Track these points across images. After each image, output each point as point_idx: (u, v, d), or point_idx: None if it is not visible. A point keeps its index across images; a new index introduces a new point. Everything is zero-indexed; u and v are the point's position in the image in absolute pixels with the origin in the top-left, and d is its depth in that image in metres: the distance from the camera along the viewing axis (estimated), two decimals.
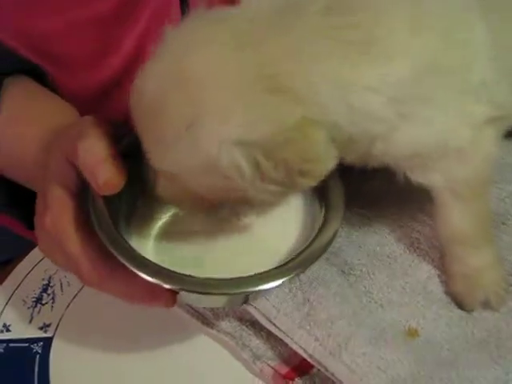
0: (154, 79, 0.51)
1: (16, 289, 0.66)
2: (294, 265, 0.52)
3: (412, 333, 0.56)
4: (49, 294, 0.66)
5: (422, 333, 0.56)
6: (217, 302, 0.56)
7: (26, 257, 0.69)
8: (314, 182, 0.51)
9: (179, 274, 0.51)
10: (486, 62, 0.54)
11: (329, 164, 0.51)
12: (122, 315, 0.64)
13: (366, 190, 0.64)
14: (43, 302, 0.66)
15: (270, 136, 0.48)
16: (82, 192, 0.56)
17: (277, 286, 0.51)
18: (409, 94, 0.51)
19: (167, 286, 0.51)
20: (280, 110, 0.49)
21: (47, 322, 0.64)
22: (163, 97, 0.50)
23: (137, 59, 0.75)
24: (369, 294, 0.59)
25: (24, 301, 0.66)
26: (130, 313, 0.63)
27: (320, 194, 0.57)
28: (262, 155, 0.48)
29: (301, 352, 0.56)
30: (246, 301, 0.56)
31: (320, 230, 0.54)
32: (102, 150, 0.54)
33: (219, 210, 0.58)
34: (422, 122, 0.52)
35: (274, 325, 0.57)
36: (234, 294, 0.52)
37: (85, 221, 0.56)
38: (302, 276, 0.59)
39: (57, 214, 0.56)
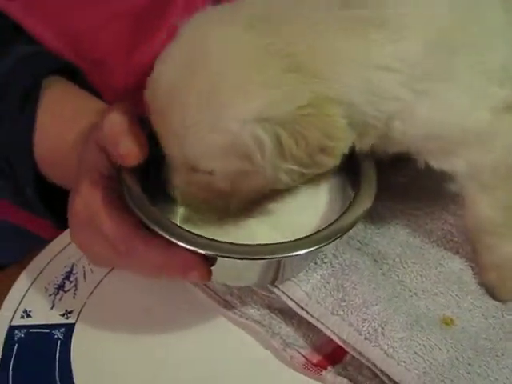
0: (171, 65, 0.52)
1: (38, 276, 0.65)
2: (328, 233, 0.52)
3: (447, 322, 0.55)
4: (71, 282, 0.65)
5: (457, 322, 0.55)
6: (250, 275, 0.55)
7: (49, 244, 0.68)
8: (333, 161, 0.51)
9: (216, 241, 0.51)
10: (505, 45, 0.54)
11: (347, 143, 0.51)
12: (145, 303, 0.62)
13: (397, 183, 0.64)
14: (65, 289, 0.64)
15: (291, 112, 0.48)
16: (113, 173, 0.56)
17: (312, 251, 0.51)
18: (423, 71, 0.51)
19: (204, 252, 0.50)
20: (299, 87, 0.49)
21: (69, 309, 0.62)
22: (181, 80, 0.51)
23: None
24: (402, 282, 0.58)
25: (46, 288, 0.64)
26: (154, 300, 0.62)
27: (352, 180, 0.57)
28: (283, 131, 0.48)
29: (335, 338, 0.55)
30: (276, 277, 0.55)
31: (351, 206, 0.54)
32: (125, 122, 0.55)
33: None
34: (437, 100, 0.52)
35: (307, 311, 0.56)
36: (271, 258, 0.51)
37: (117, 199, 0.55)
38: (334, 263, 0.58)
39: (87, 194, 0.56)
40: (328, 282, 0.57)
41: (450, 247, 0.60)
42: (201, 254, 0.52)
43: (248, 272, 0.55)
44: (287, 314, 0.59)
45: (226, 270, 0.54)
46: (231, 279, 0.57)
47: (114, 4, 0.72)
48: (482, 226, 0.57)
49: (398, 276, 0.58)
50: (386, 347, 0.52)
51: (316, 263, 0.58)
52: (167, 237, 0.51)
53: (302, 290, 0.57)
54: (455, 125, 0.53)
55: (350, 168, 0.56)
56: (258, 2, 0.52)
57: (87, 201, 0.56)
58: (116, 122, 0.55)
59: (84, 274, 0.65)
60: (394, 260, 0.59)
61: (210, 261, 0.53)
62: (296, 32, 0.49)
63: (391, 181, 0.63)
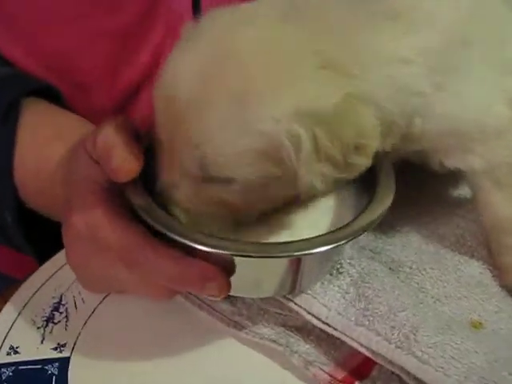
0: (193, 67, 0.48)
1: (23, 308, 0.59)
2: (349, 231, 0.49)
3: (476, 325, 0.53)
4: (61, 313, 0.59)
5: (486, 325, 0.53)
6: (269, 282, 0.52)
7: (34, 274, 0.62)
8: (365, 162, 0.48)
9: (240, 241, 0.48)
10: None
11: (378, 142, 0.49)
12: (145, 330, 0.57)
13: (401, 192, 0.62)
14: (55, 320, 0.58)
15: (326, 109, 0.46)
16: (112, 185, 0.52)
17: (335, 249, 0.49)
18: (441, 64, 0.50)
19: (231, 253, 0.47)
20: (332, 84, 0.47)
21: (62, 342, 0.57)
22: (206, 82, 0.47)
23: (151, 74, 0.72)
24: (423, 289, 0.55)
25: (33, 320, 0.58)
26: (154, 326, 0.58)
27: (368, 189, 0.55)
28: (319, 129, 0.46)
29: (362, 350, 0.51)
30: (294, 285, 0.52)
31: (369, 205, 0.51)
32: (119, 135, 0.51)
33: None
34: (457, 94, 0.51)
35: (328, 324, 0.53)
36: (293, 255, 0.48)
37: (120, 210, 0.51)
38: (352, 272, 0.55)
39: (87, 207, 0.52)
40: (347, 293, 0.54)
41: (464, 252, 0.58)
42: (219, 264, 0.48)
43: (267, 278, 0.51)
44: (304, 331, 0.55)
45: (244, 278, 0.51)
46: (249, 289, 0.53)
47: (94, 24, 0.68)
48: (501, 226, 0.55)
49: (417, 283, 0.56)
50: (419, 354, 0.49)
51: (331, 274, 0.55)
52: (187, 242, 0.47)
53: (320, 302, 0.53)
54: (473, 120, 0.52)
55: (366, 178, 0.54)
56: (279, 1, 0.50)
57: (87, 214, 0.51)
58: (109, 135, 0.51)
59: (75, 303, 0.59)
60: (410, 267, 0.57)
61: (228, 270, 0.49)
62: (324, 29, 0.48)
63: (399, 189, 0.61)
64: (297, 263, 0.50)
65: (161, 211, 0.50)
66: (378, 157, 0.53)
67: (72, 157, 0.56)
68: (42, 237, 0.65)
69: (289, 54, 0.47)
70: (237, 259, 0.49)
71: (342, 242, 0.49)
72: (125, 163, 0.50)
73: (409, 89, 0.50)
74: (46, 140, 0.61)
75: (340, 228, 0.50)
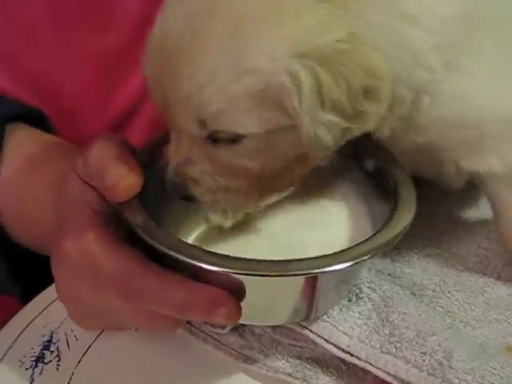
0: (181, 10, 0.44)
1: (9, 349, 0.53)
2: (368, 248, 0.44)
3: None
4: (52, 352, 0.53)
5: None
6: (283, 306, 0.47)
7: (21, 311, 0.56)
8: (377, 108, 0.43)
9: (252, 260, 0.43)
10: None
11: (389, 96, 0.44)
12: (144, 370, 0.52)
13: (422, 212, 0.58)
14: (46, 360, 0.53)
15: (328, 46, 0.41)
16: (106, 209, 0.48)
17: (358, 263, 0.44)
18: (454, 40, 0.46)
19: (232, 271, 0.43)
20: (332, 20, 0.42)
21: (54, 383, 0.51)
22: (195, 23, 0.43)
23: (143, 98, 0.68)
24: (450, 313, 0.51)
25: (21, 361, 0.52)
26: (154, 366, 0.52)
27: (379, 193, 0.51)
28: (321, 68, 0.41)
29: (390, 379, 0.46)
30: (310, 310, 0.47)
31: (388, 222, 0.47)
32: (112, 150, 0.47)
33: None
34: (470, 75, 0.47)
35: (350, 354, 0.48)
36: (312, 273, 0.43)
37: (115, 235, 0.47)
38: (373, 296, 0.50)
39: (79, 234, 0.47)
40: (369, 318, 0.49)
41: (489, 273, 0.54)
42: (227, 286, 0.44)
43: (281, 301, 0.47)
44: (322, 362, 0.50)
45: (256, 303, 0.46)
46: (260, 316, 0.48)
47: (82, 45, 0.65)
48: None
49: (442, 307, 0.51)
50: (456, 381, 0.44)
51: (350, 300, 0.50)
52: (192, 262, 0.42)
53: (340, 330, 0.49)
54: (490, 108, 0.47)
55: (374, 180, 0.51)
56: None
57: (79, 240, 0.46)
58: (102, 151, 0.47)
59: (67, 341, 0.54)
60: (433, 290, 0.53)
61: (238, 294, 0.44)
62: None
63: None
64: (313, 283, 0.46)
65: (162, 231, 0.45)
66: (392, 163, 0.50)
67: (62, 182, 0.51)
68: (26, 275, 0.60)
69: None
70: (246, 280, 0.44)
71: (365, 257, 0.44)
72: (122, 180, 0.46)
73: (418, 55, 0.45)
74: (31, 167, 0.57)
75: (360, 243, 0.45)
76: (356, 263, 0.44)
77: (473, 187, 0.57)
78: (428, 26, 0.45)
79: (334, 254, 0.44)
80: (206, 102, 0.43)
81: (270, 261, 0.44)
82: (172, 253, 0.43)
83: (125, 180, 0.46)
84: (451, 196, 0.59)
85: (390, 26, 0.45)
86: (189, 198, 0.48)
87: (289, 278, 0.44)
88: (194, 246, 0.46)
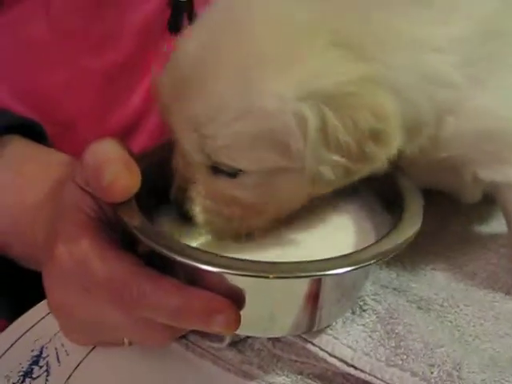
0: (198, 40, 0.44)
1: None
2: (373, 253, 0.43)
3: None
4: (41, 367, 0.51)
5: None
6: (285, 315, 0.45)
7: (10, 327, 0.54)
8: (384, 153, 0.43)
9: (254, 261, 0.42)
10: None
11: (398, 135, 0.43)
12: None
13: (429, 226, 0.56)
14: (34, 375, 0.50)
15: (336, 88, 0.41)
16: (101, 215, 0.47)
17: (364, 267, 0.42)
18: (476, 56, 0.46)
19: (231, 272, 0.41)
20: (344, 64, 0.42)
21: None
22: (210, 51, 0.43)
23: (143, 118, 0.68)
24: (459, 327, 0.49)
25: (8, 376, 0.50)
26: (146, 382, 0.49)
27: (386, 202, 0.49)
28: (328, 109, 0.41)
29: None
30: (313, 321, 0.45)
31: (397, 224, 0.45)
32: (110, 151, 0.46)
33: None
34: (494, 89, 0.46)
35: (354, 367, 0.45)
36: (314, 276, 0.42)
37: (109, 240, 0.45)
38: (378, 309, 0.48)
39: (72, 239, 0.45)
40: (374, 331, 0.47)
41: (498, 288, 0.52)
42: (227, 293, 0.42)
43: (283, 310, 0.45)
44: (325, 378, 0.48)
45: (256, 312, 0.44)
46: (260, 326, 0.46)
47: (82, 63, 0.65)
48: None
49: (450, 321, 0.49)
50: None
51: (354, 313, 0.48)
52: (189, 262, 0.41)
53: (343, 343, 0.46)
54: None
55: (379, 190, 0.50)
56: None
57: (72, 245, 0.45)
58: (99, 151, 0.46)
59: (57, 356, 0.51)
60: (441, 305, 0.50)
61: (238, 302, 0.42)
62: (340, 5, 0.44)
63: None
64: (315, 289, 0.44)
65: (159, 232, 0.44)
66: (400, 172, 0.49)
67: (58, 192, 0.50)
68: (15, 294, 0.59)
69: (301, 30, 0.42)
70: (246, 284, 0.42)
71: (370, 262, 0.42)
72: (119, 179, 0.44)
73: (439, 78, 0.45)
74: (28, 180, 0.55)
75: (364, 248, 0.44)
76: (360, 267, 0.42)
77: (484, 202, 0.56)
78: (453, 51, 0.45)
79: (337, 257, 0.42)
80: (210, 136, 0.43)
81: (271, 262, 0.42)
82: (167, 252, 0.41)
83: (122, 180, 0.44)
84: (460, 211, 0.57)
85: (414, 63, 0.44)
86: (185, 215, 0.48)
87: (290, 281, 0.42)
88: (192, 247, 0.44)
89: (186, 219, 0.48)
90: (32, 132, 0.60)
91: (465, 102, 0.46)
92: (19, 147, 0.58)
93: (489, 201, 0.54)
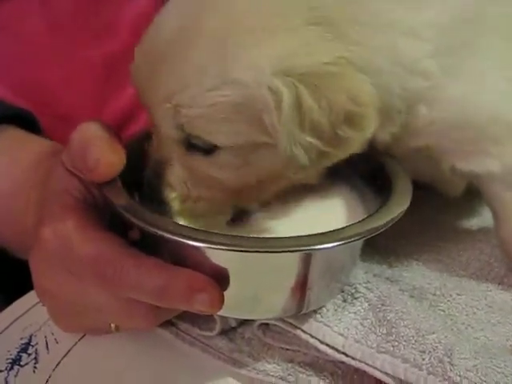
0: (175, 14, 0.44)
1: None
2: (356, 231, 0.42)
3: None
4: (30, 354, 0.50)
5: None
6: (272, 295, 0.44)
7: None
8: (358, 137, 0.42)
9: (240, 236, 0.41)
10: None
11: (373, 118, 0.43)
12: (127, 375, 0.49)
13: (421, 218, 0.56)
14: (22, 363, 0.50)
15: (313, 67, 0.41)
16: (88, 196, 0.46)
17: (354, 241, 0.41)
18: (451, 44, 0.45)
19: (218, 247, 0.40)
20: (321, 42, 0.42)
21: None
22: (185, 21, 0.43)
23: (140, 106, 0.67)
24: (451, 316, 0.48)
25: None
26: (137, 371, 0.49)
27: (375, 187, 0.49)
28: (304, 88, 0.40)
29: (388, 380, 0.43)
30: (302, 302, 0.45)
31: (386, 203, 0.45)
32: (96, 131, 0.46)
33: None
34: (468, 78, 0.46)
35: (345, 354, 0.45)
36: (300, 250, 0.41)
37: (95, 220, 0.45)
38: (370, 296, 0.48)
39: (57, 220, 0.45)
40: (365, 319, 0.46)
41: (492, 278, 0.52)
42: (211, 272, 0.41)
43: (270, 289, 0.44)
44: (316, 366, 0.47)
45: (242, 292, 0.43)
46: (246, 307, 0.45)
47: (79, 54, 0.65)
48: None
49: (443, 310, 0.49)
50: (458, 379, 0.41)
51: (345, 301, 0.48)
52: (177, 239, 0.40)
53: (334, 330, 0.46)
54: (489, 112, 0.46)
55: (369, 175, 0.49)
56: None
57: (57, 226, 0.45)
58: (85, 131, 0.46)
59: (46, 344, 0.51)
60: (434, 294, 0.50)
61: (222, 281, 0.42)
62: None
63: (415, 217, 0.55)
64: (303, 269, 0.43)
65: (144, 210, 0.43)
66: (390, 158, 0.48)
67: (48, 178, 0.50)
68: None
69: (281, 4, 0.42)
70: (231, 264, 0.42)
71: (360, 236, 0.42)
72: (104, 157, 0.44)
73: (413, 65, 0.44)
74: (21, 167, 0.55)
75: (351, 225, 0.43)
76: (346, 243, 0.41)
77: (476, 196, 0.55)
78: (428, 38, 0.45)
79: (323, 233, 0.42)
80: (185, 105, 0.42)
81: (253, 237, 0.42)
82: (150, 228, 0.41)
83: (107, 157, 0.44)
84: (453, 203, 0.56)
85: (388, 46, 0.44)
86: (160, 202, 0.47)
87: (275, 258, 0.42)
88: (177, 223, 0.44)
89: (162, 206, 0.48)
90: (26, 122, 0.60)
91: (437, 92, 0.45)
92: (13, 136, 0.58)
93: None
